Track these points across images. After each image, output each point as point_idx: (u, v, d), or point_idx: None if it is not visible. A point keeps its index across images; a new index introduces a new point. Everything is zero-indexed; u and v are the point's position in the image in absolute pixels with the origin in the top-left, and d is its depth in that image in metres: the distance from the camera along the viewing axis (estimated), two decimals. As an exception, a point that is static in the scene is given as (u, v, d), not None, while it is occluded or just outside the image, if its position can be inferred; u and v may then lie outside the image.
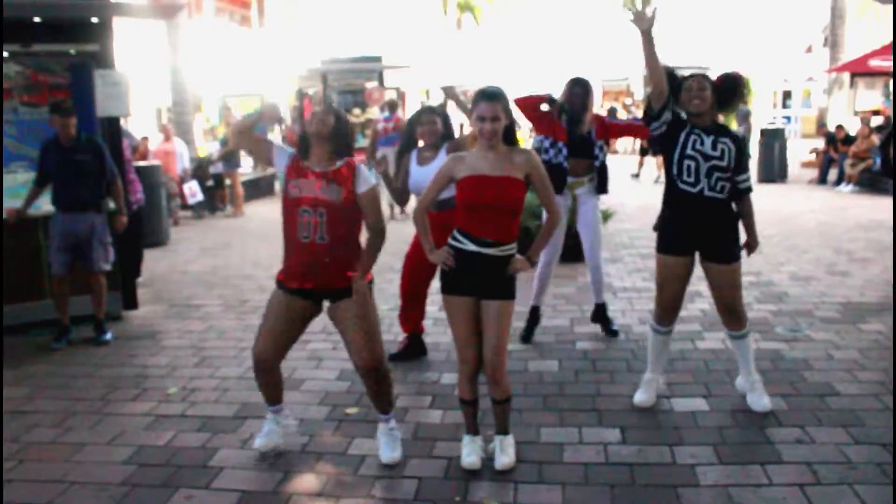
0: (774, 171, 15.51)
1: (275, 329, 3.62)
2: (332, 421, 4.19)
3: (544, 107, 5.24)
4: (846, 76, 20.87)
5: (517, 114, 3.90)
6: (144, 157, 11.71)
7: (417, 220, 3.62)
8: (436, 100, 25.82)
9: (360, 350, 3.53)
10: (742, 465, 3.54)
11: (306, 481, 3.54)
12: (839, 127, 15.81)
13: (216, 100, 18.32)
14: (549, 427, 4.01)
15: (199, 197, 12.83)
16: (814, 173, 15.87)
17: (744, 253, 4.14)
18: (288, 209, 3.55)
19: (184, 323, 6.28)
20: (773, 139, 15.74)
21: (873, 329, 5.48)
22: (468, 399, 3.59)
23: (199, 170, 13.29)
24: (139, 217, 7.59)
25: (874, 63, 18.12)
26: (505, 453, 3.56)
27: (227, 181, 13.43)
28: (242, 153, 13.48)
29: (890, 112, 16.42)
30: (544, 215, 3.74)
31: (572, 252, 7.74)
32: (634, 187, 15.06)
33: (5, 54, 6.07)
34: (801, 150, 19.01)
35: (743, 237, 4.17)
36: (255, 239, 10.18)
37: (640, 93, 24.99)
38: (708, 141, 3.92)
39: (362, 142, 15.56)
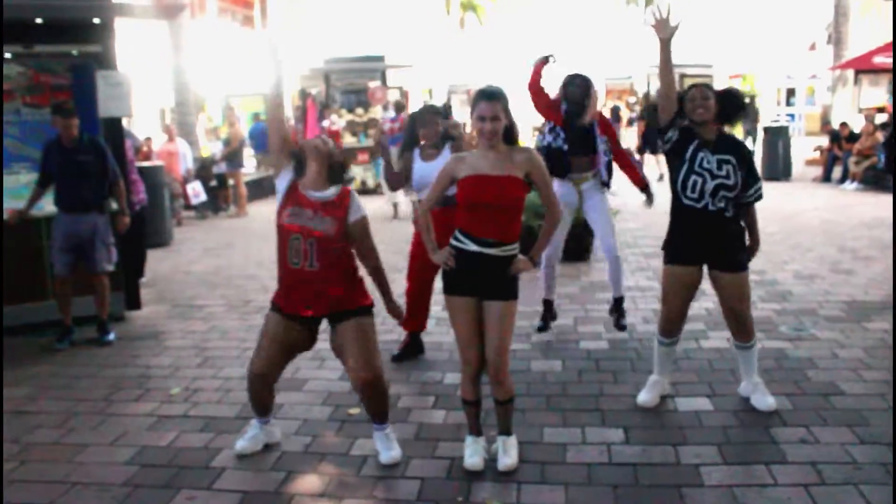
0: (778, 169, 15.47)
1: (271, 351, 3.64)
2: (335, 421, 4.18)
3: (549, 75, 5.23)
4: (850, 73, 20.82)
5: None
6: (148, 158, 11.72)
7: (421, 219, 3.62)
8: (439, 99, 25.81)
9: (359, 368, 3.53)
10: (746, 465, 3.52)
11: (308, 482, 3.53)
12: (843, 124, 15.76)
13: (219, 100, 18.35)
14: (552, 427, 4.00)
15: (203, 197, 12.84)
16: (818, 171, 15.82)
17: None
18: (280, 235, 3.60)
19: (187, 323, 6.28)
20: (777, 137, 15.69)
21: (878, 328, 5.45)
22: (471, 400, 3.58)
23: (203, 170, 13.30)
24: (142, 217, 7.60)
25: (878, 60, 18.08)
26: (508, 454, 3.55)
27: (231, 181, 13.45)
28: (246, 154, 13.52)
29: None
30: None
31: (575, 251, 7.75)
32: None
33: (7, 55, 6.07)
34: (805, 148, 18.99)
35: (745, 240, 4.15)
36: (259, 239, 10.18)
37: (643, 91, 24.91)
38: (713, 160, 3.91)
39: (365, 141, 15.58)
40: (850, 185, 14.01)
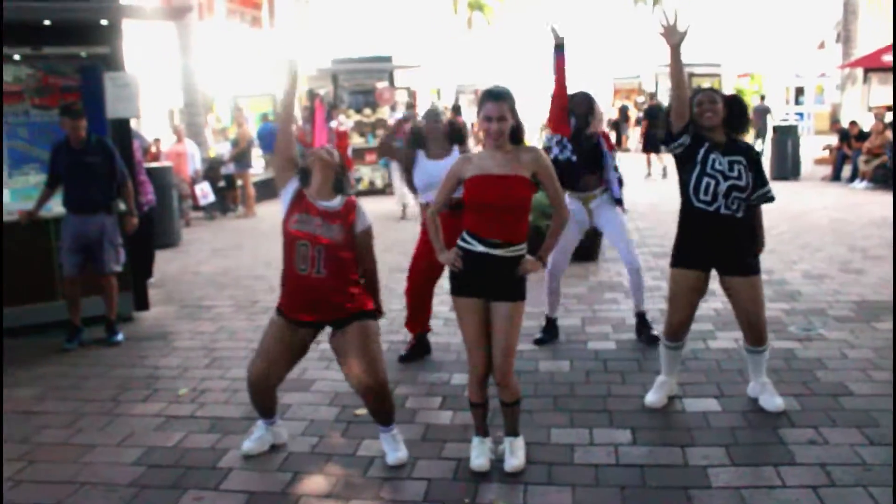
0: (787, 168, 15.41)
1: (272, 354, 3.65)
2: (342, 422, 4.18)
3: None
4: (859, 72, 20.71)
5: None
6: (156, 159, 11.76)
7: (429, 220, 3.61)
8: (447, 99, 25.82)
9: (362, 374, 3.53)
10: (755, 466, 3.51)
11: (315, 482, 3.53)
12: (853, 123, 15.69)
13: (227, 101, 18.38)
14: (559, 428, 3.99)
15: (211, 198, 12.87)
16: (827, 170, 15.75)
17: None
18: (287, 241, 3.61)
19: (195, 324, 6.30)
20: (786, 136, 15.63)
21: (888, 328, 5.41)
22: (478, 402, 3.57)
23: (211, 171, 13.33)
24: (150, 218, 7.62)
25: (887, 58, 17.97)
26: (514, 455, 3.54)
27: (239, 182, 13.47)
28: (254, 154, 13.55)
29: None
30: None
31: (584, 251, 7.72)
32: (646, 185, 15.00)
33: (16, 57, 6.10)
34: (814, 147, 18.90)
35: None
36: (267, 239, 10.19)
37: (651, 90, 24.85)
38: (724, 161, 3.89)
39: (373, 141, 15.59)
40: (859, 184, 13.94)
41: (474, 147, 7.45)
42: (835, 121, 22.01)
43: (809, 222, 10.12)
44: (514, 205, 3.39)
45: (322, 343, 5.29)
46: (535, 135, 17.27)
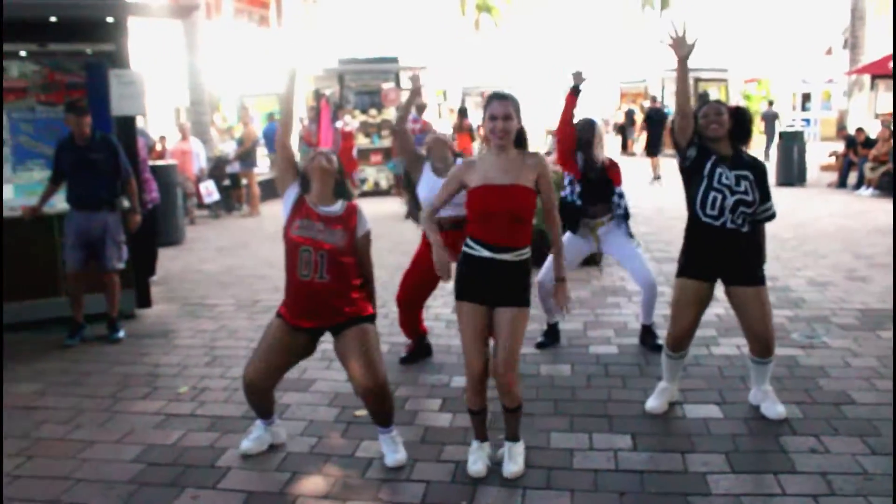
0: (793, 174, 15.36)
1: (269, 357, 3.65)
2: (341, 423, 4.17)
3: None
4: (867, 78, 20.67)
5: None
6: (162, 157, 11.77)
7: (426, 220, 3.59)
8: (453, 101, 25.81)
9: (362, 376, 3.52)
10: (755, 474, 3.48)
11: (313, 483, 3.52)
12: (859, 130, 15.64)
13: (234, 100, 18.42)
14: (559, 432, 3.97)
15: (216, 196, 12.89)
16: (833, 177, 15.70)
17: None
18: (289, 247, 3.61)
19: (196, 322, 6.30)
20: (792, 142, 15.58)
21: (892, 336, 5.38)
22: (476, 409, 3.56)
23: (216, 169, 13.35)
24: (154, 216, 7.63)
25: (895, 65, 17.92)
26: (514, 461, 3.53)
27: (244, 181, 13.49)
28: (259, 153, 13.56)
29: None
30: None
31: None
32: (650, 190, 14.97)
33: (22, 53, 6.12)
34: (820, 154, 18.85)
35: None
36: (271, 239, 10.19)
37: (658, 95, 24.82)
38: (732, 176, 3.88)
39: (378, 142, 15.59)
40: (865, 191, 13.89)
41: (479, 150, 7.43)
42: (841, 127, 21.95)
43: (814, 229, 10.08)
44: (518, 215, 3.38)
45: (322, 343, 5.30)
46: (541, 139, 17.28)
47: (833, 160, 16.88)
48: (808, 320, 5.84)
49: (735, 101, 23.84)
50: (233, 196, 13.54)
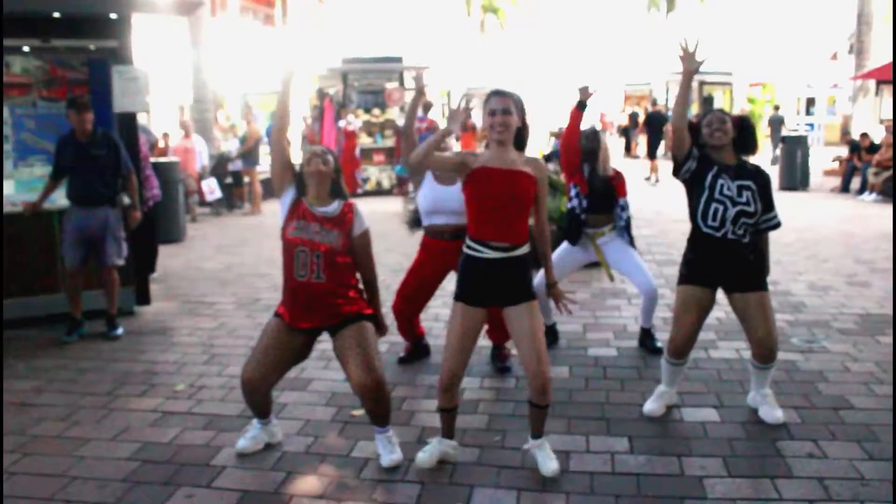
0: (796, 178, 15.33)
1: (267, 357, 3.64)
2: (338, 422, 4.16)
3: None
4: (872, 83, 20.63)
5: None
6: (164, 154, 11.77)
7: (421, 148, 3.39)
8: (457, 102, 25.81)
9: (359, 374, 3.51)
10: (752, 478, 3.47)
11: (308, 483, 3.51)
12: (864, 135, 15.61)
13: (237, 97, 18.42)
14: (556, 434, 3.95)
15: (218, 194, 12.89)
16: (836, 182, 15.66)
17: None
18: (286, 248, 3.62)
19: (195, 320, 6.29)
20: (796, 146, 15.55)
21: (892, 342, 5.36)
22: (447, 407, 3.58)
23: (218, 167, 13.35)
24: (155, 213, 7.62)
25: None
26: (551, 457, 3.54)
27: (246, 179, 13.49)
28: (262, 151, 13.55)
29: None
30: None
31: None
32: (652, 192, 14.95)
33: (25, 49, 6.12)
34: (823, 158, 18.81)
35: None
36: (272, 237, 10.14)
37: (661, 98, 24.80)
38: (734, 186, 3.87)
39: (381, 142, 15.58)
40: (868, 197, 13.86)
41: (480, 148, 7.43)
42: (845, 132, 21.94)
43: (817, 233, 10.06)
44: (517, 196, 3.38)
45: (320, 343, 5.29)
46: (545, 141, 17.27)
47: (836, 165, 16.84)
48: (808, 325, 5.83)
49: (739, 104, 23.84)
50: (235, 194, 13.54)
